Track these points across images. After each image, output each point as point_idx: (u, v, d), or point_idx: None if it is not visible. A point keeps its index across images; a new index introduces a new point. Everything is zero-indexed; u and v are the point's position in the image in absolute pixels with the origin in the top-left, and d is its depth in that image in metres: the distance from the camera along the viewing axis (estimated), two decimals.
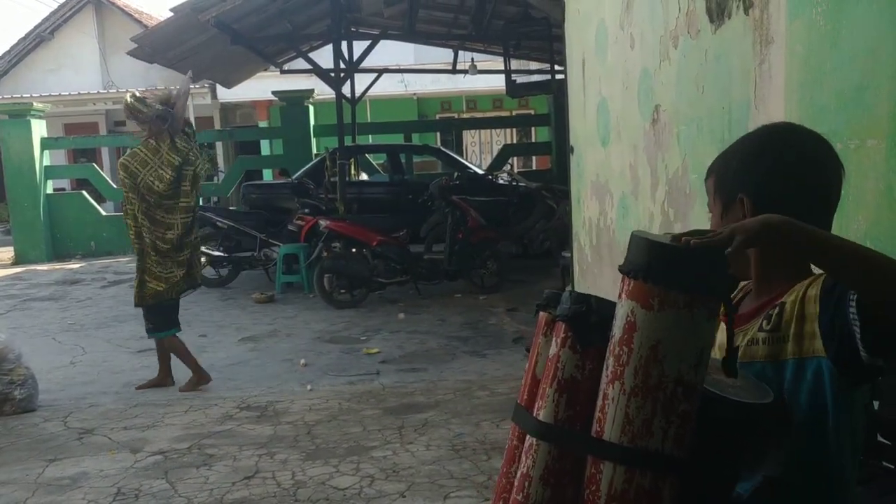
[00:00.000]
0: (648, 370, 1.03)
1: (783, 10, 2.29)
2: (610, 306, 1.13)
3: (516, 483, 1.14)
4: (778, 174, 1.31)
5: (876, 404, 1.59)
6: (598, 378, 1.11)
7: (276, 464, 3.42)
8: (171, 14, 7.94)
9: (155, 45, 8.36)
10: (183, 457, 3.56)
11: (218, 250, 8.50)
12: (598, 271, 4.53)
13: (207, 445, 3.69)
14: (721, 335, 1.21)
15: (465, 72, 11.10)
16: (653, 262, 1.04)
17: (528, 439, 1.15)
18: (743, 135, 1.47)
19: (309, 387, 4.67)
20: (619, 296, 1.08)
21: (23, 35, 18.24)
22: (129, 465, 3.48)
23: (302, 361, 5.32)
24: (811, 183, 1.32)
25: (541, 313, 1.24)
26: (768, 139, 1.37)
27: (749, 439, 1.18)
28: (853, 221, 1.93)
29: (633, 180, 3.87)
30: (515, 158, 14.71)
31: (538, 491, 1.10)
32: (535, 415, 1.15)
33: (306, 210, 8.22)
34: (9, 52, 18.19)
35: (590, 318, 1.12)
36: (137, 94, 4.90)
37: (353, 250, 7.44)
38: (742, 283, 1.39)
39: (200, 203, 11.43)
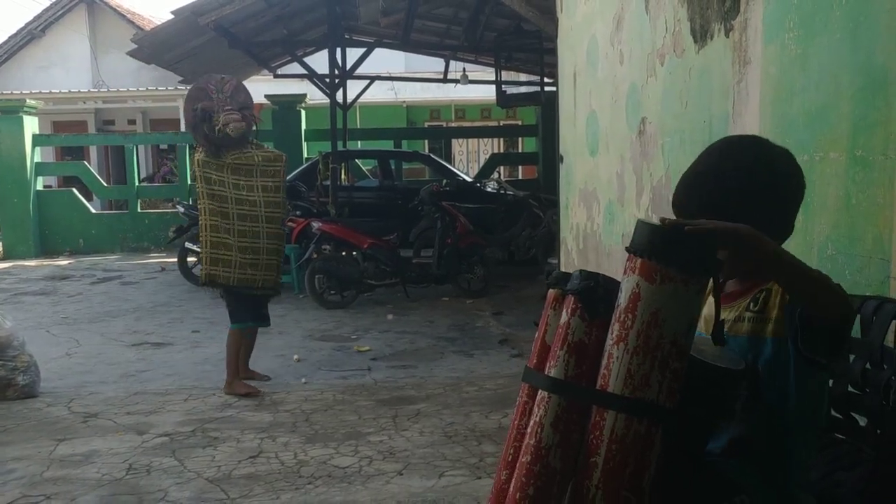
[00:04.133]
0: (649, 333, 1.23)
1: (759, 34, 2.54)
2: (613, 283, 1.34)
3: (529, 430, 1.35)
4: (776, 194, 1.50)
5: (830, 382, 1.83)
6: (601, 343, 1.31)
7: (279, 445, 3.60)
8: (169, 16, 8.12)
9: (153, 46, 8.51)
10: (188, 438, 3.73)
11: None
12: None
13: (210, 429, 3.86)
14: (706, 309, 1.44)
15: (456, 81, 11.33)
16: (657, 243, 1.25)
17: (540, 393, 1.35)
18: (706, 160, 1.56)
19: (304, 380, 4.85)
20: (625, 272, 1.28)
21: (14, 31, 18.25)
22: (136, 444, 3.65)
23: (296, 357, 5.49)
24: (795, 198, 1.54)
25: (550, 290, 1.46)
26: (762, 161, 1.52)
27: (724, 399, 1.40)
28: (817, 225, 2.17)
29: (619, 188, 4.10)
30: (502, 167, 14.97)
31: (549, 435, 1.31)
32: (546, 373, 1.36)
33: (298, 212, 8.36)
34: None
35: (597, 292, 1.33)
36: None
37: (344, 252, 7.61)
38: None
39: (191, 202, 11.61)
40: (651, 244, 1.25)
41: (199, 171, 4.52)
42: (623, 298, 1.27)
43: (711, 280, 1.33)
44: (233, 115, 4.48)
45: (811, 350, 1.35)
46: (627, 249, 1.28)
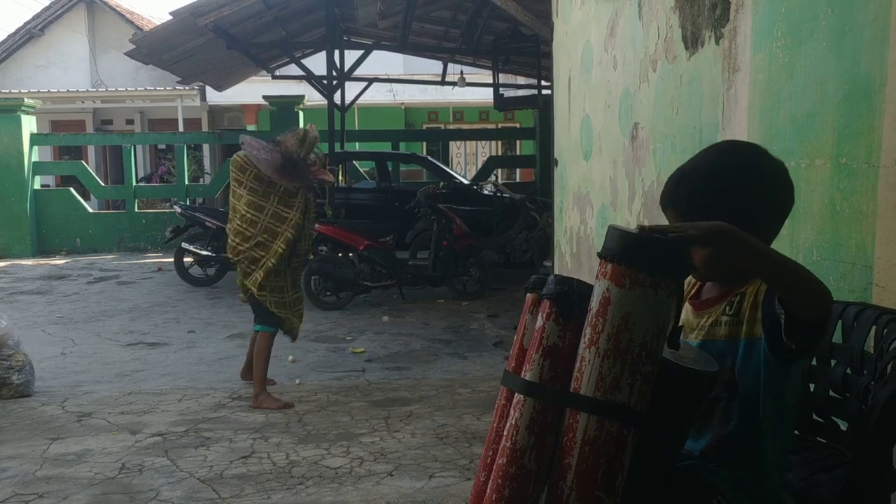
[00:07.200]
0: (619, 336, 1.26)
1: (748, 42, 2.56)
2: (587, 287, 1.36)
3: (505, 433, 1.37)
4: (764, 197, 1.51)
5: (812, 387, 1.85)
6: (575, 346, 1.34)
7: (271, 446, 3.62)
8: (168, 16, 8.14)
9: (152, 46, 8.54)
10: (181, 438, 3.75)
11: (206, 250, 8.65)
12: (577, 277, 4.77)
13: (203, 429, 3.88)
14: (683, 315, 1.46)
15: (454, 84, 11.36)
16: (626, 249, 1.27)
17: (516, 396, 1.37)
18: (703, 157, 1.59)
19: (298, 381, 4.87)
20: (597, 276, 1.31)
21: (13, 30, 18.26)
22: (130, 444, 3.67)
23: (290, 358, 5.51)
24: (786, 205, 1.55)
25: (528, 294, 1.48)
26: (754, 165, 1.52)
27: (697, 401, 1.42)
28: (802, 231, 2.19)
29: (612, 192, 4.12)
30: (500, 170, 14.99)
31: (524, 437, 1.33)
32: (522, 376, 1.38)
33: None
34: None
35: (571, 297, 1.35)
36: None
37: (340, 254, 7.63)
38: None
39: (188, 203, 11.65)
40: (620, 249, 1.27)
41: (232, 176, 4.44)
42: (595, 302, 1.29)
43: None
44: (325, 175, 4.64)
45: (791, 338, 1.35)
46: (599, 255, 1.30)
